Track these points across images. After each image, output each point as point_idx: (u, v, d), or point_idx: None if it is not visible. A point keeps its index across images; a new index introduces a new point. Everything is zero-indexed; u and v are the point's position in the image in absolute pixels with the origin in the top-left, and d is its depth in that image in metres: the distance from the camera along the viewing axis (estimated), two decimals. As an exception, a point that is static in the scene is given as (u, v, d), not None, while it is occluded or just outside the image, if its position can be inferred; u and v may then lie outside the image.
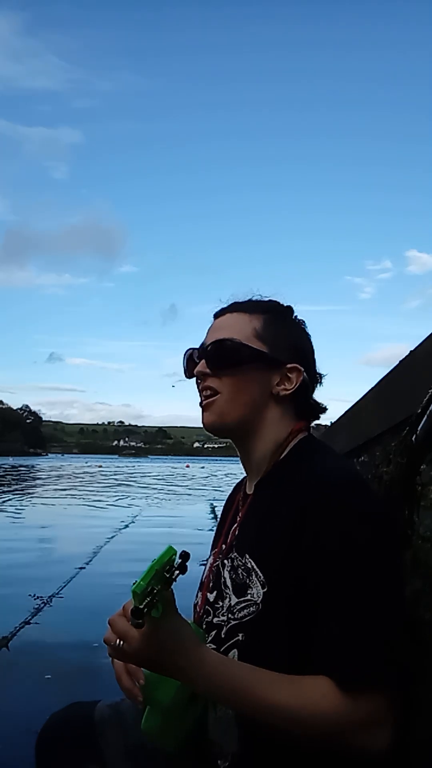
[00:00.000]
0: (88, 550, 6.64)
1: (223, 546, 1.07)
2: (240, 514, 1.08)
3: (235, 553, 1.00)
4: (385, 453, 1.38)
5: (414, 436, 1.10)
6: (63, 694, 2.57)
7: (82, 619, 3.92)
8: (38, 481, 23.42)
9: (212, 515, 11.01)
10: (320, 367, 1.10)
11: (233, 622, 0.95)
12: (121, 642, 0.81)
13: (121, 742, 1.07)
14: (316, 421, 1.12)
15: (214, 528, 1.19)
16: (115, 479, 26.99)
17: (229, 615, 0.96)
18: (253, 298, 1.10)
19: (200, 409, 1.06)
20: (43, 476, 28.01)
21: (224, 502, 1.22)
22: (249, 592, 0.94)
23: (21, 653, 3.32)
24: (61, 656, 3.30)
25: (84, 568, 5.69)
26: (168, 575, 0.76)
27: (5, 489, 17.86)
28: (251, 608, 0.93)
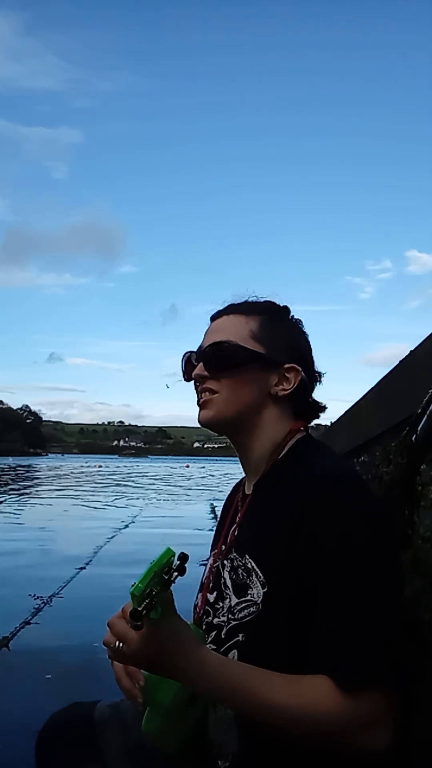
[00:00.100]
0: (88, 551, 6.63)
1: (223, 546, 1.07)
2: (239, 515, 1.08)
3: (235, 554, 1.00)
4: (385, 453, 1.38)
5: (414, 436, 1.10)
6: (63, 695, 2.57)
7: (82, 620, 3.91)
8: (38, 481, 23.41)
9: (212, 515, 10.99)
10: (320, 367, 1.10)
11: (233, 623, 0.95)
12: (121, 644, 0.80)
13: (121, 743, 1.07)
14: (316, 421, 1.12)
15: (214, 528, 1.19)
16: (115, 479, 26.98)
17: (230, 615, 0.96)
18: (250, 299, 1.10)
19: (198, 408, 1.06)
20: (42, 476, 28.00)
21: (224, 502, 1.22)
22: (249, 592, 0.94)
23: (21, 653, 3.31)
24: (61, 656, 3.30)
25: (84, 568, 5.67)
26: (167, 577, 0.76)
27: (5, 489, 17.84)
28: (251, 608, 0.93)
